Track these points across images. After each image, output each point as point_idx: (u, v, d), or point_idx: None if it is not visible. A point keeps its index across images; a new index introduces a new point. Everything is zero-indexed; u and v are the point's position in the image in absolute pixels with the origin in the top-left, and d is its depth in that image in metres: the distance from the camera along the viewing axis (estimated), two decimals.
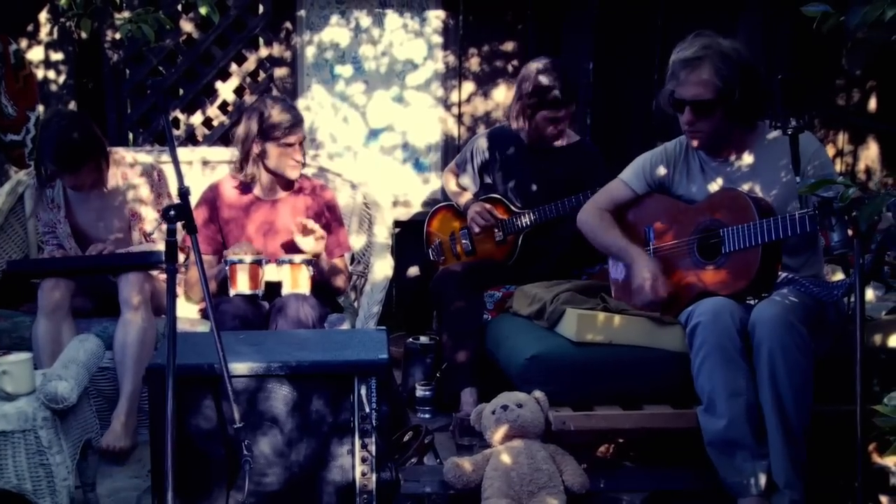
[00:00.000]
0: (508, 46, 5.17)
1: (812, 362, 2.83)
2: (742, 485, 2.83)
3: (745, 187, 3.13)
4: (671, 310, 3.19)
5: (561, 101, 3.94)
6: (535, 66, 4.00)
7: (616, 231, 3.39)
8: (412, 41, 5.10)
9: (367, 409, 2.58)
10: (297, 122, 3.79)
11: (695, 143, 3.17)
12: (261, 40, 5.07)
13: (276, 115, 3.76)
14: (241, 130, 3.85)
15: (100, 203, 3.90)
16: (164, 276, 3.63)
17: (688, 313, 3.03)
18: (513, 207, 4.11)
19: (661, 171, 3.33)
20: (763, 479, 2.81)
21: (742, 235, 2.97)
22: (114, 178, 3.89)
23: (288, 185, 3.91)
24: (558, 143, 4.14)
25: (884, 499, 2.94)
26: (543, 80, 3.93)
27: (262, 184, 3.89)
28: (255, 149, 3.81)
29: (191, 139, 5.09)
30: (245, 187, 3.91)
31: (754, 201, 2.99)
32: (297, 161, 3.82)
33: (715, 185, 3.21)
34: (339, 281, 3.91)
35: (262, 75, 5.10)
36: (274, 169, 3.82)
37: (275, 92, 5.05)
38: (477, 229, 4.15)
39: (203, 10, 3.42)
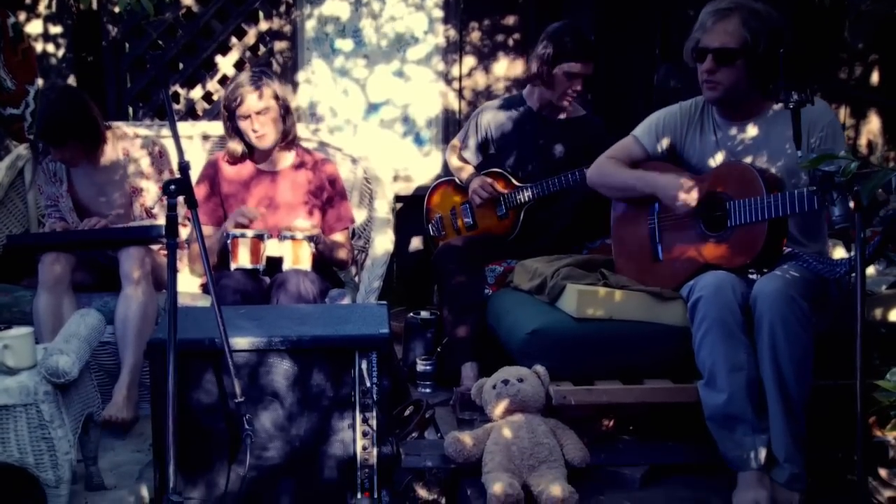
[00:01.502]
0: (509, 20, 5.14)
1: (812, 337, 2.82)
2: (742, 459, 2.84)
3: (751, 157, 3.12)
4: (674, 281, 3.18)
5: (581, 53, 3.92)
6: (555, 25, 4.02)
7: (630, 169, 3.36)
8: (413, 15, 5.07)
9: (368, 384, 2.58)
10: (252, 89, 3.71)
11: (712, 94, 3.12)
12: (261, 14, 5.05)
13: (232, 89, 3.76)
14: None
15: (101, 178, 3.89)
16: (164, 251, 3.65)
17: (689, 287, 3.03)
18: (514, 181, 4.10)
19: (674, 128, 3.31)
20: (763, 453, 2.82)
21: (748, 209, 2.96)
22: (114, 152, 3.89)
23: (286, 158, 3.90)
24: (563, 115, 4.12)
25: (883, 472, 2.95)
26: (565, 34, 3.94)
27: (257, 157, 3.89)
28: (229, 124, 3.81)
29: (191, 113, 5.07)
30: (242, 160, 3.89)
31: (761, 175, 2.98)
32: (255, 131, 3.75)
33: (724, 150, 3.19)
34: (342, 254, 3.90)
35: (262, 49, 5.08)
36: (250, 142, 3.81)
37: (275, 66, 5.04)
38: (479, 201, 4.14)
39: None
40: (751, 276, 3.00)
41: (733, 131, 3.19)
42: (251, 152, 3.88)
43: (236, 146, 3.84)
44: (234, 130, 3.82)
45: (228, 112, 3.78)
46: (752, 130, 3.15)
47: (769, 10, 3.03)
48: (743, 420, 2.83)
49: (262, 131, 3.75)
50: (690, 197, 3.12)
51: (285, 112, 3.83)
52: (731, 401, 2.83)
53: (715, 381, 2.87)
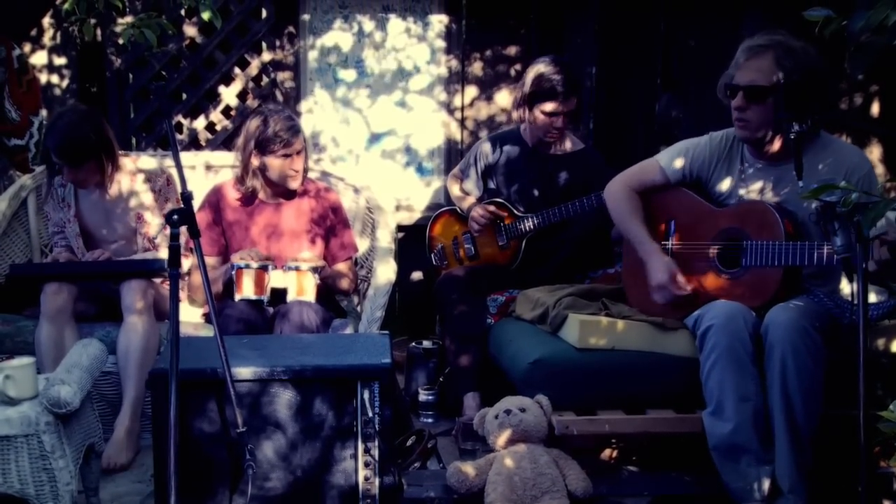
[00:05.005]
0: (511, 50, 5.17)
1: (823, 368, 2.81)
2: (745, 490, 2.83)
3: (771, 182, 3.12)
4: (680, 310, 3.17)
5: (560, 93, 3.90)
6: (539, 59, 4.01)
7: (640, 219, 3.31)
8: (415, 45, 5.10)
9: (370, 414, 2.58)
10: (293, 132, 3.75)
11: (742, 132, 3.09)
12: (264, 45, 5.07)
13: (272, 127, 3.73)
14: (239, 142, 3.85)
15: (107, 206, 3.91)
16: (167, 282, 3.66)
17: (696, 317, 3.02)
18: (516, 212, 4.11)
19: (702, 159, 3.28)
20: (766, 485, 2.81)
21: (765, 253, 2.95)
22: (120, 182, 3.90)
23: (290, 191, 3.90)
24: (564, 148, 4.13)
25: (887, 503, 2.94)
26: (545, 71, 3.92)
27: (266, 191, 3.89)
28: (255, 162, 3.79)
29: (194, 143, 5.09)
30: (255, 196, 3.90)
31: (783, 219, 2.97)
32: (296, 171, 3.79)
33: (751, 186, 3.17)
34: (345, 283, 3.91)
35: (265, 80, 5.10)
36: (276, 180, 3.81)
37: (278, 96, 5.06)
38: (477, 227, 4.14)
39: (206, 16, 3.42)
40: None
41: (762, 168, 3.17)
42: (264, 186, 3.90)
43: (256, 183, 3.84)
44: (258, 168, 3.81)
45: (262, 151, 3.76)
46: (783, 167, 3.13)
47: (806, 48, 2.99)
48: (748, 450, 2.82)
49: (300, 170, 3.81)
50: (663, 296, 3.15)
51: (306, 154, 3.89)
52: (737, 430, 2.82)
53: (722, 410, 2.86)
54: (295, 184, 3.83)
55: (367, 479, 2.60)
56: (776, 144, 3.11)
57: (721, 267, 3.13)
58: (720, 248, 3.13)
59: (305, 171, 3.90)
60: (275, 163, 3.76)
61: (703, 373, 2.93)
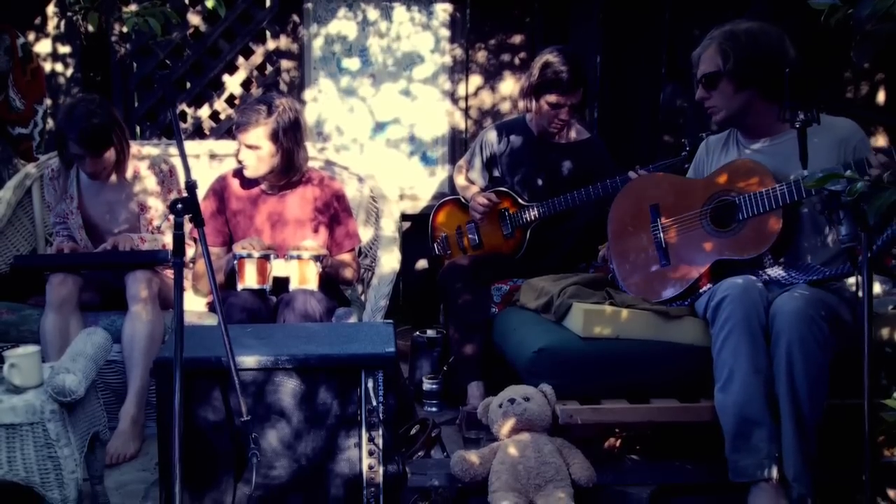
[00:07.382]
0: (515, 40, 5.16)
1: (829, 358, 2.81)
2: (757, 465, 2.79)
3: (769, 160, 3.14)
4: (684, 283, 3.18)
5: (566, 85, 3.91)
6: (547, 50, 4.00)
7: None
8: (419, 34, 5.10)
9: (374, 403, 2.58)
10: (245, 120, 3.70)
11: (714, 117, 3.25)
12: (268, 33, 5.07)
13: (239, 111, 3.76)
14: None
15: (111, 195, 3.91)
16: (171, 271, 3.66)
17: (710, 292, 3.02)
18: (520, 201, 4.10)
19: (699, 158, 3.50)
20: (775, 470, 2.79)
21: (759, 201, 3.01)
22: (126, 170, 3.90)
23: (292, 181, 3.89)
24: (569, 137, 4.13)
25: (892, 493, 2.93)
26: (552, 62, 3.92)
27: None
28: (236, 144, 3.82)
29: (198, 132, 5.09)
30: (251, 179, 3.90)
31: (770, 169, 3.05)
32: (241, 161, 3.76)
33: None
34: (348, 273, 3.91)
35: (269, 68, 5.10)
36: None
37: (282, 85, 5.06)
38: (478, 216, 4.14)
39: (210, 4, 3.42)
40: (764, 277, 3.01)
41: (756, 146, 3.23)
42: None
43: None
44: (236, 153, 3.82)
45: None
46: (773, 145, 3.17)
47: (753, 30, 3.11)
48: (760, 424, 2.81)
49: (246, 163, 3.76)
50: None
51: (282, 152, 3.75)
52: (749, 403, 2.81)
53: (733, 382, 2.84)
54: (245, 172, 3.80)
55: (371, 467, 2.60)
56: (760, 121, 3.19)
57: (717, 229, 3.16)
58: (711, 212, 3.18)
59: (288, 170, 3.82)
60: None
61: (715, 345, 2.92)
